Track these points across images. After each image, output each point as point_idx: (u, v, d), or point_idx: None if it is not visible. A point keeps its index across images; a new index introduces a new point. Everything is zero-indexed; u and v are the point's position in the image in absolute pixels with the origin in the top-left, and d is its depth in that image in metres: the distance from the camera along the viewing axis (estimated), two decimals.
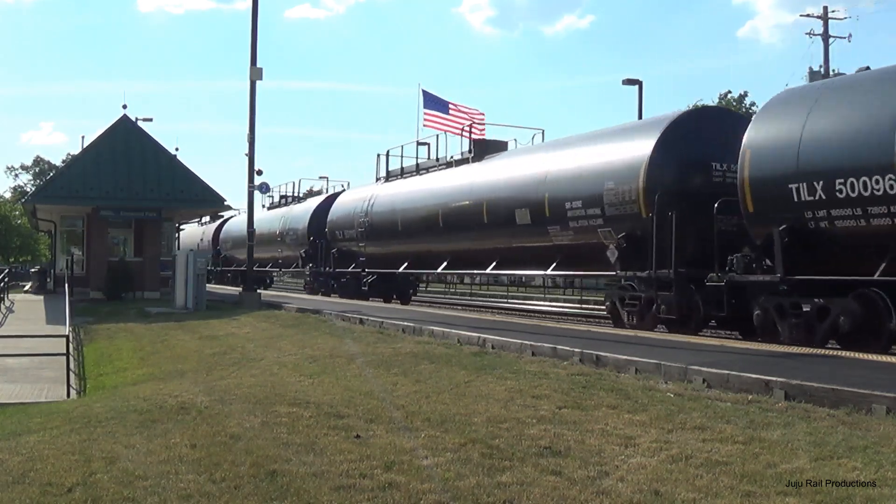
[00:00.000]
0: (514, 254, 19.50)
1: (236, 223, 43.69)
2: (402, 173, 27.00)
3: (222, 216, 46.35)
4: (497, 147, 22.83)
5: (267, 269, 39.79)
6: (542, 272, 19.29)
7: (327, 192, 38.19)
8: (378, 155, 29.20)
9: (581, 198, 16.50)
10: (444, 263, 22.62)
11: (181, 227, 50.56)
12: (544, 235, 17.76)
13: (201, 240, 51.26)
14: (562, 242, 17.38)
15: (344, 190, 34.50)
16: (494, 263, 20.28)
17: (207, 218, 48.78)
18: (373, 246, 26.91)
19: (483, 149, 22.73)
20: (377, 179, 28.80)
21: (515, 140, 22.85)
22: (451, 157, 24.70)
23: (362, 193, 28.60)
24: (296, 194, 40.12)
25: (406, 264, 24.76)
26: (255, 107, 25.53)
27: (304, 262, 32.82)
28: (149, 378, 12.73)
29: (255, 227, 37.46)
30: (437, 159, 25.11)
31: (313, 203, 34.31)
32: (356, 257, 28.14)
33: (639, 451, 6.10)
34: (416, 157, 26.56)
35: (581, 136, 18.88)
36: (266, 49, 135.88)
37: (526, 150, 21.06)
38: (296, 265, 34.83)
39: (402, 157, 27.52)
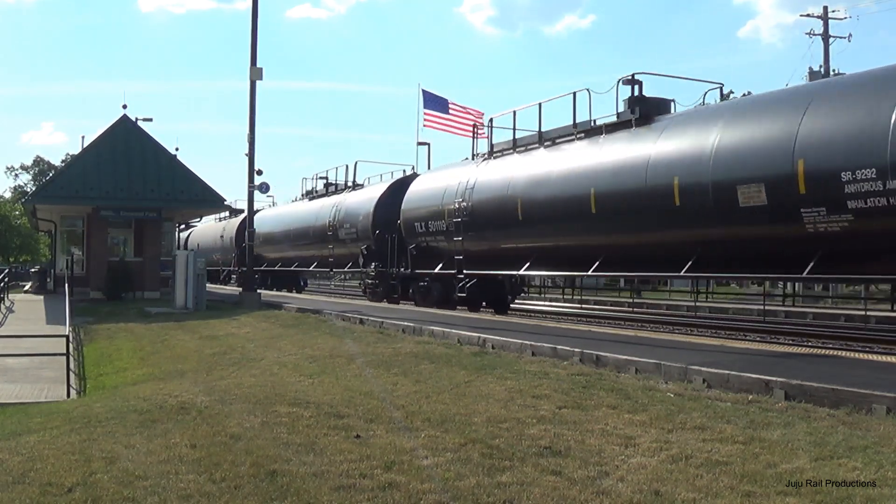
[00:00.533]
0: (727, 249, 14.23)
1: (267, 217, 39.03)
2: (516, 146, 20.60)
3: (242, 210, 42.15)
4: (661, 106, 17.06)
5: (311, 269, 34.24)
6: (788, 275, 13.62)
7: (342, 188, 32.46)
8: (475, 126, 23.43)
9: (875, 165, 11.44)
10: (597, 263, 16.92)
11: (193, 224, 50.05)
12: (793, 222, 12.65)
13: (221, 237, 45.02)
14: (828, 230, 12.27)
15: (414, 174, 28.01)
16: (690, 263, 14.60)
17: (226, 213, 45.10)
18: (474, 241, 20.91)
19: (648, 108, 16.75)
20: (473, 156, 22.73)
21: (674, 101, 17.26)
22: (595, 120, 18.22)
23: (453, 175, 22.47)
24: (349, 181, 32.51)
25: (528, 264, 19.04)
26: (255, 107, 25.57)
27: (367, 260, 26.69)
28: (149, 378, 12.73)
29: (292, 219, 34.95)
30: (575, 125, 18.34)
31: (377, 190, 28.11)
32: (446, 255, 22.12)
33: (639, 451, 6.10)
34: (539, 125, 19.75)
35: (860, 77, 13.38)
36: (267, 49, 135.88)
37: (734, 106, 15.52)
38: (351, 265, 28.93)
39: (514, 128, 20.95)
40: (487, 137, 21.99)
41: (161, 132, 44.27)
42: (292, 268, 35.87)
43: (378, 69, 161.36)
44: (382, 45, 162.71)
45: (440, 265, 22.34)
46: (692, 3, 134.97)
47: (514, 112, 20.88)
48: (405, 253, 23.94)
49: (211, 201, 33.53)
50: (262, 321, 19.13)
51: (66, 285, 27.15)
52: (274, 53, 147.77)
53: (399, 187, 26.24)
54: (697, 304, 27.15)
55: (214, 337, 16.89)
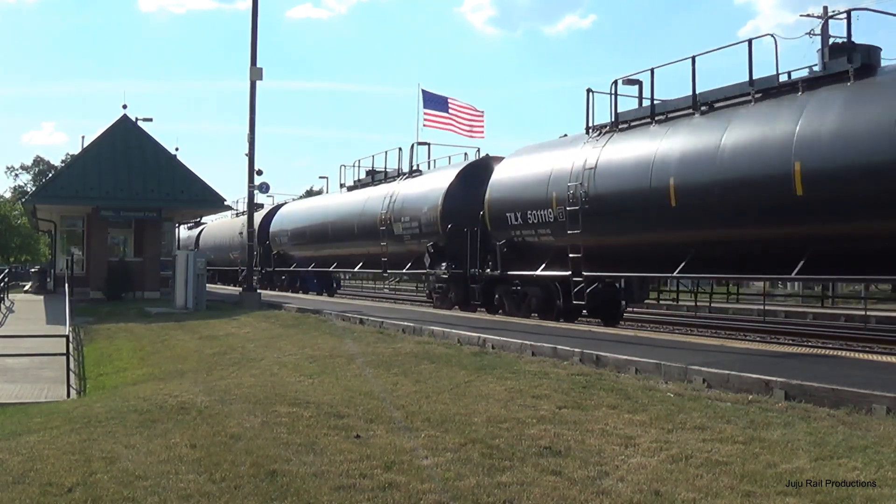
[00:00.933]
0: None
1: (295, 212, 35.11)
2: (655, 115, 16.09)
3: (261, 204, 39.96)
4: (872, 54, 13.06)
5: (356, 270, 29.48)
6: None
7: (394, 176, 27.47)
8: (589, 91, 17.71)
9: None
10: (801, 263, 12.66)
11: (204, 221, 49.53)
12: None
13: (241, 234, 38.17)
14: None
15: (488, 156, 23.52)
16: None
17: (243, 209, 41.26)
18: (597, 235, 16.46)
19: (864, 57, 12.73)
20: (588, 130, 17.84)
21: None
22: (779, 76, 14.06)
23: (562, 155, 17.92)
24: (402, 168, 27.50)
25: (683, 265, 14.55)
26: (255, 107, 25.59)
27: (435, 259, 22.21)
28: (149, 378, 12.73)
29: (328, 214, 30.43)
30: (752, 81, 14.14)
31: (444, 177, 23.30)
32: (551, 253, 17.90)
33: (639, 451, 6.10)
34: (693, 85, 15.20)
35: None
36: (267, 49, 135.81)
37: None
38: (411, 265, 24.20)
39: (645, 97, 16.54)
40: (611, 105, 17.21)
41: (161, 132, 44.32)
42: (331, 269, 31.12)
43: (378, 69, 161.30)
44: (382, 45, 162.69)
45: (543, 265, 18.06)
46: (693, 3, 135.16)
47: (652, 70, 16.17)
48: (492, 251, 19.79)
49: (211, 201, 33.56)
50: (262, 321, 19.14)
51: (66, 285, 27.16)
52: (274, 53, 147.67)
53: (473, 173, 22.22)
54: (697, 303, 27.07)
55: (214, 337, 16.89)
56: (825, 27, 15.11)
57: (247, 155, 26.05)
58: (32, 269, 47.20)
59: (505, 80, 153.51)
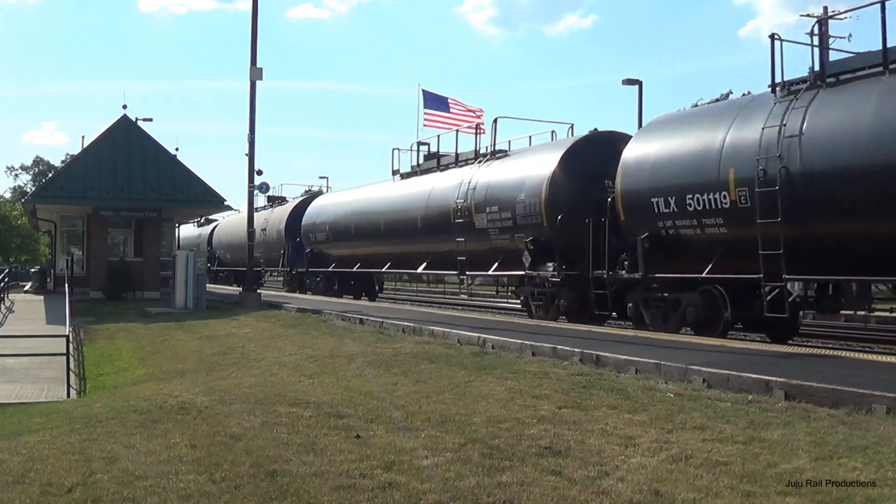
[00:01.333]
0: None
1: (333, 205, 31.06)
2: (888, 63, 11.98)
3: (284, 198, 38.96)
4: None
5: (419, 271, 24.45)
6: None
7: (469, 160, 23.05)
8: (774, 37, 13.93)
9: None
10: None
11: (212, 218, 49.39)
12: None
13: (264, 230, 35.98)
14: None
15: (597, 132, 19.41)
16: None
17: (264, 201, 39.44)
18: (806, 224, 12.39)
19: None
20: (776, 88, 13.73)
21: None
22: None
23: (741, 123, 13.69)
24: (480, 149, 22.96)
25: None
26: (255, 107, 25.59)
27: (537, 258, 18.24)
28: (149, 378, 12.74)
29: (378, 205, 26.85)
30: None
31: (548, 158, 18.69)
32: (722, 249, 13.76)
33: (639, 451, 6.11)
34: None
35: None
36: (268, 49, 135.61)
37: None
38: (498, 265, 19.95)
39: (883, 31, 12.06)
40: (812, 54, 13.64)
41: (161, 132, 44.35)
42: (384, 269, 26.68)
43: (378, 69, 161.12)
44: (382, 45, 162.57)
45: (709, 266, 13.94)
46: (693, 3, 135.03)
47: (883, 2, 12.10)
48: (628, 247, 15.76)
49: (211, 201, 33.58)
50: (262, 321, 19.14)
51: (66, 285, 27.15)
52: (274, 53, 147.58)
53: (583, 152, 18.18)
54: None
55: (214, 337, 16.89)
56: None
57: (247, 155, 26.09)
58: (32, 269, 47.22)
59: (505, 80, 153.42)
